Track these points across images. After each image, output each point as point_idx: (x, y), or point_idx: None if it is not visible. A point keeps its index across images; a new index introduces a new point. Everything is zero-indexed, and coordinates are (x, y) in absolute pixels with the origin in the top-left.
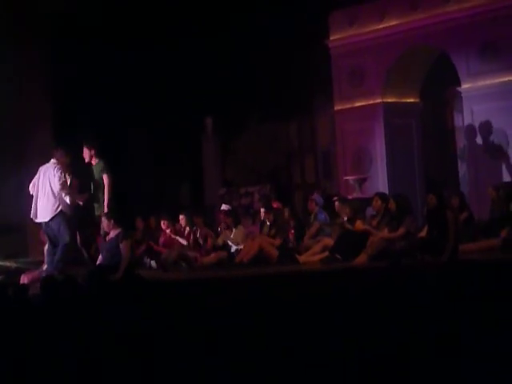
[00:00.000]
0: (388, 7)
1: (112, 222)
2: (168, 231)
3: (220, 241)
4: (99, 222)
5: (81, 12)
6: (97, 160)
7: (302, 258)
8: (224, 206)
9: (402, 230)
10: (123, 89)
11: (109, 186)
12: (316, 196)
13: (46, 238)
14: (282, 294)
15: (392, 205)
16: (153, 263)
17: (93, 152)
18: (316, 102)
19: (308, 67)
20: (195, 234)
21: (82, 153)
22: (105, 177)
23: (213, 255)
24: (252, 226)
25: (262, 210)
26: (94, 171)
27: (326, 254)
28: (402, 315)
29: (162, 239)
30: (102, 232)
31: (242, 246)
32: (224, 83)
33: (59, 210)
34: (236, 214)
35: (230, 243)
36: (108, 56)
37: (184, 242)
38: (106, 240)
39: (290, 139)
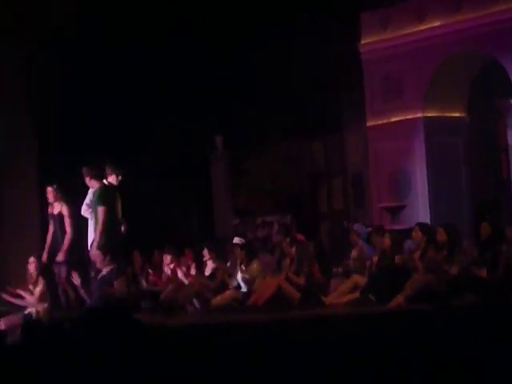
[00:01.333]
0: (428, 7)
1: (108, 258)
2: (171, 266)
3: (233, 279)
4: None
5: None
6: (96, 185)
7: (327, 300)
8: (237, 239)
9: (455, 269)
10: (124, 104)
11: (103, 219)
12: (358, 226)
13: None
14: (303, 343)
15: (442, 236)
16: (144, 303)
17: (88, 178)
18: (345, 116)
19: (336, 75)
20: (203, 271)
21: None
22: (99, 209)
23: (227, 294)
24: (270, 262)
25: (283, 242)
26: (93, 197)
27: (356, 294)
28: (444, 369)
29: (163, 276)
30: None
31: (255, 286)
32: (237, 93)
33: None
34: (251, 248)
35: (241, 282)
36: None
37: (185, 280)
38: (97, 278)
39: (315, 160)
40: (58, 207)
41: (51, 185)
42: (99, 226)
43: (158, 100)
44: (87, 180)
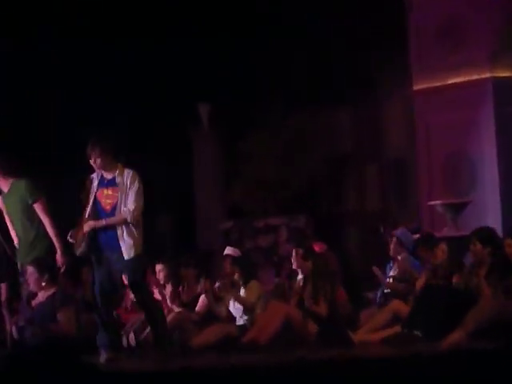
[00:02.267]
0: None
1: (46, 277)
2: None
3: (224, 307)
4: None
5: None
6: (10, 180)
7: (357, 336)
8: (230, 250)
9: None
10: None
11: (49, 215)
12: (400, 231)
13: None
14: None
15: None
16: (124, 341)
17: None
18: (382, 76)
19: (371, 19)
20: (182, 296)
21: None
22: (38, 205)
23: (215, 328)
24: (276, 282)
25: (296, 253)
26: (6, 200)
27: (397, 328)
28: None
29: (128, 302)
30: (23, 292)
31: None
32: (229, 50)
33: None
34: (249, 263)
35: (234, 311)
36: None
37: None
38: (30, 305)
39: (339, 139)
40: None
41: None
42: (53, 227)
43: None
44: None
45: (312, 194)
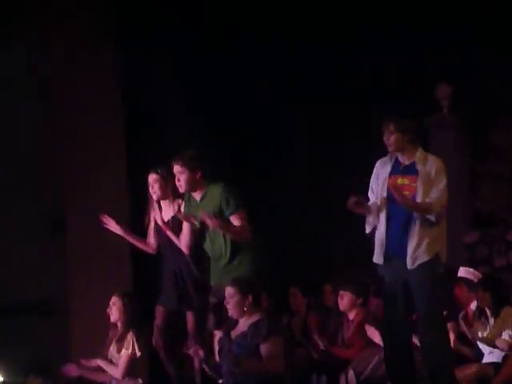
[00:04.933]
0: None
1: (250, 299)
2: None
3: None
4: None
5: None
6: (205, 186)
7: None
8: (463, 272)
9: None
10: None
11: (243, 230)
12: None
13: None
14: None
15: None
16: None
17: (199, 174)
18: None
19: None
20: None
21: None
22: (235, 217)
23: (467, 372)
24: None
25: None
26: (201, 208)
27: None
28: None
29: (350, 331)
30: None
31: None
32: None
33: None
34: (501, 286)
35: (483, 346)
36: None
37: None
38: (228, 335)
39: None
40: (170, 207)
41: (155, 170)
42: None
43: None
44: (196, 176)
45: None
